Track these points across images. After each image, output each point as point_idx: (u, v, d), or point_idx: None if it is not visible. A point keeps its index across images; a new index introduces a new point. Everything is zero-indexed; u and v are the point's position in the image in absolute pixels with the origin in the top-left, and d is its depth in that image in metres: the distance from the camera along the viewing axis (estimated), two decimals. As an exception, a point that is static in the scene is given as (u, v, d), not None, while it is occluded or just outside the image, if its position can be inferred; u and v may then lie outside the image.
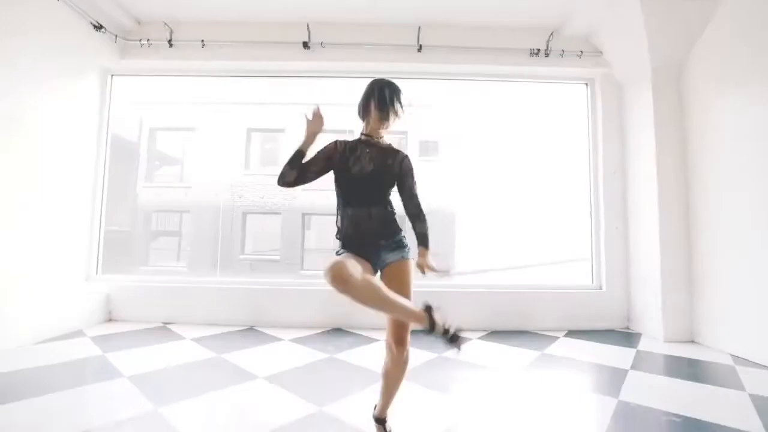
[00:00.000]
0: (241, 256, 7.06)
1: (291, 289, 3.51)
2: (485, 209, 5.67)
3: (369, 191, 1.53)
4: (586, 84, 3.82)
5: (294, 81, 4.96)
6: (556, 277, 3.82)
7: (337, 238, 1.57)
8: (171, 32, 3.52)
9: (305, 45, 3.54)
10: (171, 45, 3.55)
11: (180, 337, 3.06)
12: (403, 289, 1.44)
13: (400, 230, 1.57)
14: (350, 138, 1.60)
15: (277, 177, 1.52)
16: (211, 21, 3.57)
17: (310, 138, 1.53)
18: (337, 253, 1.51)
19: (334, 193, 1.58)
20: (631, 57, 3.37)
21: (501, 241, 5.38)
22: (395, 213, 1.58)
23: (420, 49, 3.55)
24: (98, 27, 3.26)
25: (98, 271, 3.63)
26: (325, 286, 1.27)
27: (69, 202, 3.27)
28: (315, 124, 1.55)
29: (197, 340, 3.00)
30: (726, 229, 2.87)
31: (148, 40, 3.51)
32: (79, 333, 3.06)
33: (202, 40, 3.52)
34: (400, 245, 1.54)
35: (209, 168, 6.37)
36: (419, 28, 3.50)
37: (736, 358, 2.69)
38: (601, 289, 3.58)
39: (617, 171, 3.64)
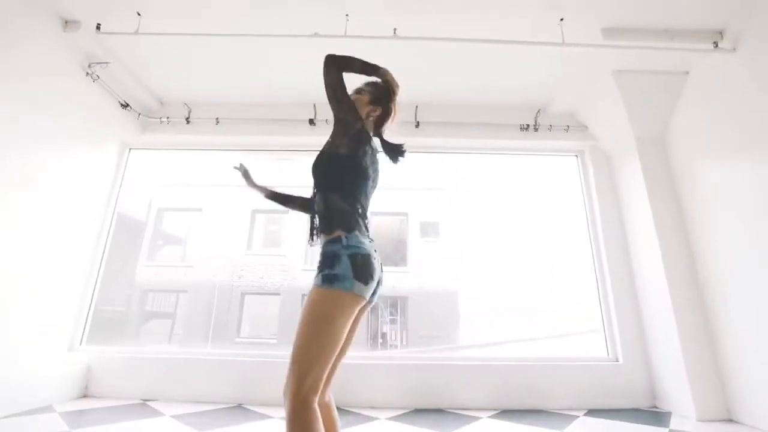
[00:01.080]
0: (237, 339, 6.73)
1: (285, 362, 3.25)
2: (488, 285, 5.55)
3: (314, 180, 1.36)
4: (576, 155, 4.02)
5: (300, 161, 5.29)
6: (567, 350, 3.57)
7: None
8: (189, 111, 3.86)
9: (311, 122, 3.85)
10: (188, 122, 3.86)
11: (159, 414, 2.77)
12: (299, 326, 1.09)
13: (337, 236, 1.17)
14: None
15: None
16: (226, 102, 3.93)
17: None
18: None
19: None
20: (614, 130, 3.60)
21: (506, 315, 5.15)
22: (340, 205, 1.23)
23: (417, 125, 3.84)
24: (125, 105, 3.59)
25: (83, 341, 3.43)
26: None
27: (64, 269, 3.21)
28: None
29: (178, 417, 2.71)
30: (740, 282, 2.74)
31: (168, 117, 3.84)
32: (48, 409, 2.78)
33: (217, 118, 3.84)
34: (321, 266, 1.15)
35: (212, 248, 6.42)
36: (416, 106, 3.83)
37: (783, 437, 2.38)
38: (617, 361, 3.31)
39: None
